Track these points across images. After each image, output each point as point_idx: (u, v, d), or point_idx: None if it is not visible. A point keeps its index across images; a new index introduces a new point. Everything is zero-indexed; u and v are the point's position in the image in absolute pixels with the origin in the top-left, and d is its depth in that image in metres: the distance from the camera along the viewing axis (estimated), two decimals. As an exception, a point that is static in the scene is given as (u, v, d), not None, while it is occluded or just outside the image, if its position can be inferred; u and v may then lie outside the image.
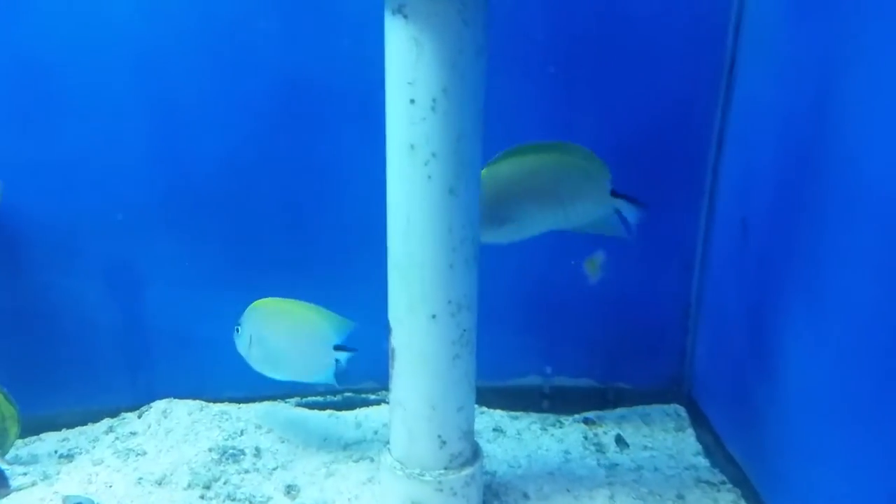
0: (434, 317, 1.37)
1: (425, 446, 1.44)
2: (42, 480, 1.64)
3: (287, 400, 2.02)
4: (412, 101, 1.25)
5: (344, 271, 1.95)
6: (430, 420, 1.43)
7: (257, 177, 1.86)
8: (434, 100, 1.24)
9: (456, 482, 1.44)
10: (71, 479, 1.65)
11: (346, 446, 1.84)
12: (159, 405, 1.93)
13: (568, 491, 1.62)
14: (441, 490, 1.44)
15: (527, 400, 2.03)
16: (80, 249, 1.83)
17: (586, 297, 1.99)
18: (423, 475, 1.44)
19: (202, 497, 1.61)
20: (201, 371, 1.97)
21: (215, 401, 1.99)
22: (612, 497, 1.59)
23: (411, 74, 1.24)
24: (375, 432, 1.90)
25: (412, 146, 1.27)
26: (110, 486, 1.62)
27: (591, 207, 1.61)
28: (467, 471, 1.46)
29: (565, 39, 1.80)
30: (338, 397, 2.05)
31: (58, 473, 1.68)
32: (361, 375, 2.05)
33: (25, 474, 1.66)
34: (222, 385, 1.99)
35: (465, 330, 1.40)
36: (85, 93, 1.73)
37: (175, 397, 1.96)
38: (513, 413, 1.99)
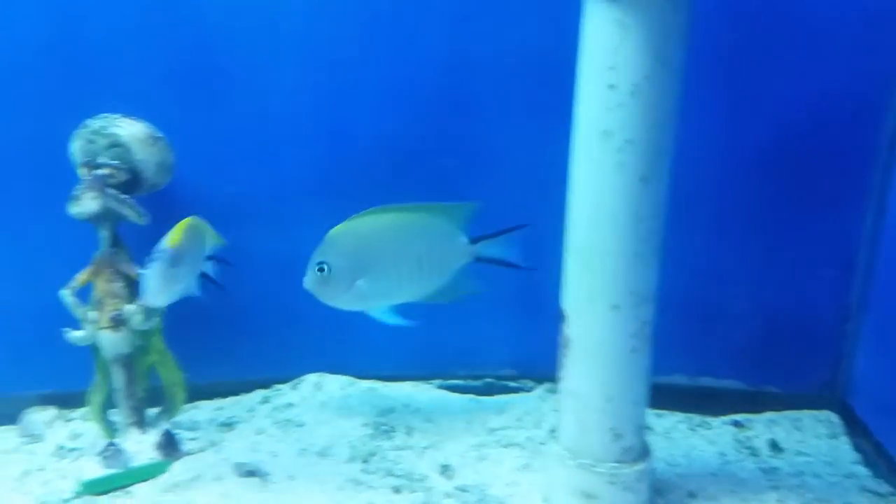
0: (616, 307, 1.35)
1: (598, 438, 1.43)
2: (210, 446, 1.70)
3: (430, 381, 2.04)
4: (611, 87, 1.22)
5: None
6: (604, 412, 1.41)
7: (413, 156, 1.87)
8: (635, 85, 1.21)
9: (629, 476, 1.42)
10: (236, 447, 1.71)
11: (491, 431, 1.85)
12: (311, 378, 1.98)
13: (734, 493, 1.57)
14: (614, 483, 1.42)
15: (671, 398, 1.98)
16: (242, 222, 1.88)
17: (738, 296, 1.93)
18: (595, 467, 1.43)
19: (364, 471, 1.64)
20: (350, 347, 2.01)
21: (361, 377, 2.02)
22: (780, 501, 1.53)
23: (612, 59, 1.21)
24: (519, 420, 1.90)
25: (606, 132, 1.25)
26: (276, 456, 1.67)
27: (449, 261, 1.62)
28: (640, 465, 1.44)
29: (730, 23, 1.73)
30: (479, 382, 2.05)
31: (223, 440, 1.74)
32: (501, 362, 2.06)
33: (194, 439, 1.72)
34: (369, 362, 2.03)
35: (644, 323, 1.37)
36: (252, 69, 1.78)
37: (325, 371, 2.01)
38: (658, 411, 1.95)
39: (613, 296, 1.34)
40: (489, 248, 1.65)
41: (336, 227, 1.57)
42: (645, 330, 1.38)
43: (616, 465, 1.43)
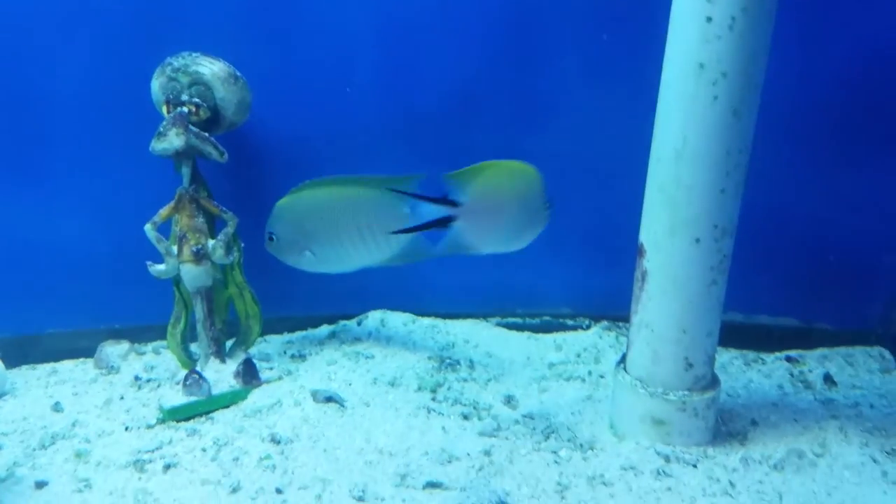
0: (697, 241, 1.38)
1: (671, 368, 1.47)
2: (286, 375, 1.76)
3: (489, 319, 2.09)
4: (708, 19, 1.24)
5: (554, 201, 1.97)
6: (678, 343, 1.45)
7: (476, 104, 1.89)
8: (733, 18, 1.22)
9: (699, 403, 1.48)
10: (311, 377, 1.77)
11: (550, 366, 1.90)
12: (376, 315, 2.04)
13: (796, 421, 1.63)
14: (684, 410, 1.48)
15: (725, 335, 2.02)
16: (308, 166, 1.90)
17: (796, 234, 1.96)
18: (667, 394, 1.48)
19: (433, 399, 1.70)
20: (411, 285, 2.06)
21: (422, 315, 2.07)
22: (841, 429, 1.59)
23: (711, -9, 1.22)
24: (578, 355, 1.95)
25: (701, 65, 1.27)
26: (350, 385, 1.73)
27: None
28: (709, 394, 1.49)
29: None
30: (536, 320, 2.10)
31: (297, 370, 1.80)
32: (558, 301, 2.10)
33: (271, 369, 1.78)
34: (429, 300, 2.08)
35: (724, 256, 1.41)
36: (326, 11, 1.79)
37: (388, 309, 2.06)
38: (711, 346, 2.00)
39: (696, 229, 1.37)
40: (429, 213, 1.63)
41: (282, 199, 1.65)
42: (724, 263, 1.41)
43: (687, 392, 1.48)
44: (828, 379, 1.86)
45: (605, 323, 2.06)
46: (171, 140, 1.58)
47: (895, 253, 1.95)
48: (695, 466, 1.45)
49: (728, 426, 1.61)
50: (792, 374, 1.89)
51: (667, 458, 1.47)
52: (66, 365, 1.91)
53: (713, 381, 1.53)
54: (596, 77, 1.87)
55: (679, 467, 1.45)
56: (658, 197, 1.40)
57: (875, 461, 1.48)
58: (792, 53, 1.78)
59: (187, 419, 1.62)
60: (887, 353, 1.98)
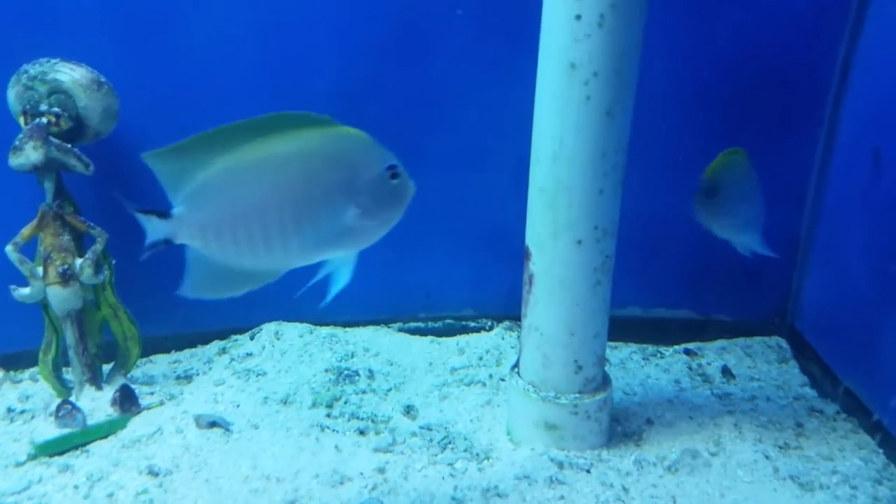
0: (579, 242, 1.35)
1: (561, 371, 1.45)
2: (169, 400, 1.67)
3: (390, 325, 2.04)
4: (578, 17, 1.20)
5: (452, 202, 1.94)
6: (567, 346, 1.43)
7: (365, 105, 1.82)
8: (602, 16, 1.19)
9: (591, 406, 1.46)
10: (196, 399, 1.68)
11: (452, 370, 1.86)
12: (270, 327, 1.95)
13: (691, 418, 1.62)
14: (576, 413, 1.45)
15: (625, 330, 2.02)
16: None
17: (691, 228, 1.96)
18: (558, 398, 1.45)
19: (328, 416, 1.63)
20: (307, 294, 1.98)
21: (320, 325, 2.00)
22: (736, 425, 1.59)
23: (579, -12, 1.19)
24: (480, 358, 1.91)
25: (573, 65, 1.23)
26: (237, 406, 1.65)
27: None
28: (601, 395, 1.47)
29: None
30: (439, 324, 2.06)
31: (181, 394, 1.71)
32: (461, 303, 2.06)
33: (152, 394, 1.69)
34: (327, 309, 2.00)
35: (607, 257, 1.39)
36: (198, 22, 1.70)
37: (283, 320, 1.98)
38: (612, 343, 1.99)
39: (576, 231, 1.35)
40: None
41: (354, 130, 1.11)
42: (607, 264, 1.39)
43: (578, 395, 1.46)
44: (726, 371, 1.87)
45: (506, 323, 2.03)
46: (28, 154, 1.47)
47: (790, 245, 1.97)
48: (588, 472, 1.43)
49: (623, 426, 1.60)
50: (690, 368, 1.90)
51: (560, 465, 1.44)
52: (-68, 400, 1.77)
53: (604, 382, 1.51)
54: (484, 75, 1.83)
55: (573, 473, 1.42)
56: (539, 199, 1.37)
57: (767, 457, 1.49)
58: (675, 45, 1.77)
59: (61, 453, 1.52)
60: (784, 343, 2.00)
